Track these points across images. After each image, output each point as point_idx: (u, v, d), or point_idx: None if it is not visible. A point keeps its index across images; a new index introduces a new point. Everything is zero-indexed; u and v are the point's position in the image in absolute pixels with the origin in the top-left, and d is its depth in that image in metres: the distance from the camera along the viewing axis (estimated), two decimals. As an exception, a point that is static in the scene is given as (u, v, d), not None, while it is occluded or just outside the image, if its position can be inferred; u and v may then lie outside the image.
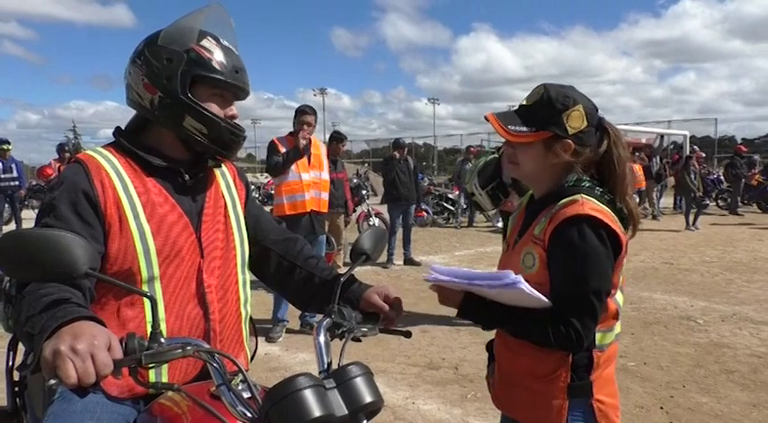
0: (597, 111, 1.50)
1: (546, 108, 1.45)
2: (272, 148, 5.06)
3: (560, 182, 1.49)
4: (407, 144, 9.11)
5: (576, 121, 1.45)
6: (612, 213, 1.43)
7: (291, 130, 5.17)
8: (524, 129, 1.46)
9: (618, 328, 1.51)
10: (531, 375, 1.49)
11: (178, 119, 1.36)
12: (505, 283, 1.33)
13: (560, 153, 1.46)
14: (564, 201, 1.43)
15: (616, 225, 1.41)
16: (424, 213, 12.58)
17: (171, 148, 1.42)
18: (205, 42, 1.36)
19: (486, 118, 1.51)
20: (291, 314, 5.13)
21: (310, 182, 5.10)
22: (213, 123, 1.38)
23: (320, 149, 5.32)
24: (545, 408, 1.46)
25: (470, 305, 1.45)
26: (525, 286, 1.32)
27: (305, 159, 5.09)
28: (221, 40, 1.40)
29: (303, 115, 5.05)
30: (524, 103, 1.51)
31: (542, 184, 1.54)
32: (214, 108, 1.39)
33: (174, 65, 1.33)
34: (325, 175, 5.32)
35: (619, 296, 1.49)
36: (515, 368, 1.53)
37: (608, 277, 1.40)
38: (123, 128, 1.47)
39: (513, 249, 1.55)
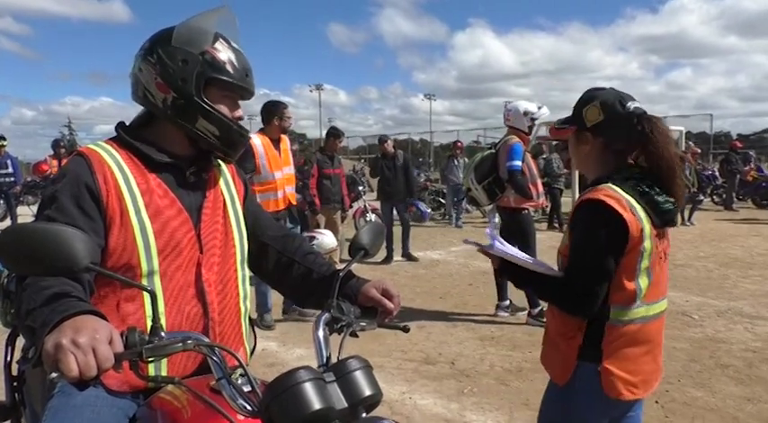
0: (623, 105, 1.68)
1: (575, 108, 1.75)
2: (247, 148, 4.81)
3: (606, 171, 1.69)
4: (400, 140, 9.00)
5: (592, 115, 1.69)
6: (633, 202, 1.57)
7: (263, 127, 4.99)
8: (562, 126, 1.78)
9: (643, 310, 1.64)
10: (559, 334, 1.71)
11: (191, 120, 1.37)
12: (490, 245, 1.70)
13: (585, 143, 1.72)
14: (592, 187, 1.65)
15: (627, 212, 1.54)
16: (413, 208, 12.31)
17: (175, 144, 1.42)
18: (218, 45, 1.37)
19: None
20: (275, 304, 5.13)
21: (283, 179, 4.95)
22: (224, 125, 1.40)
23: (287, 144, 5.18)
24: (560, 363, 1.69)
25: (507, 266, 1.75)
26: (498, 249, 1.68)
27: (277, 157, 4.93)
28: (231, 43, 1.41)
29: (284, 108, 4.98)
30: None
31: (589, 172, 1.77)
32: (224, 109, 1.40)
33: (190, 67, 1.34)
34: (293, 170, 5.21)
35: (642, 280, 1.61)
36: (552, 327, 1.77)
37: (603, 256, 1.56)
38: (126, 123, 1.48)
39: None
